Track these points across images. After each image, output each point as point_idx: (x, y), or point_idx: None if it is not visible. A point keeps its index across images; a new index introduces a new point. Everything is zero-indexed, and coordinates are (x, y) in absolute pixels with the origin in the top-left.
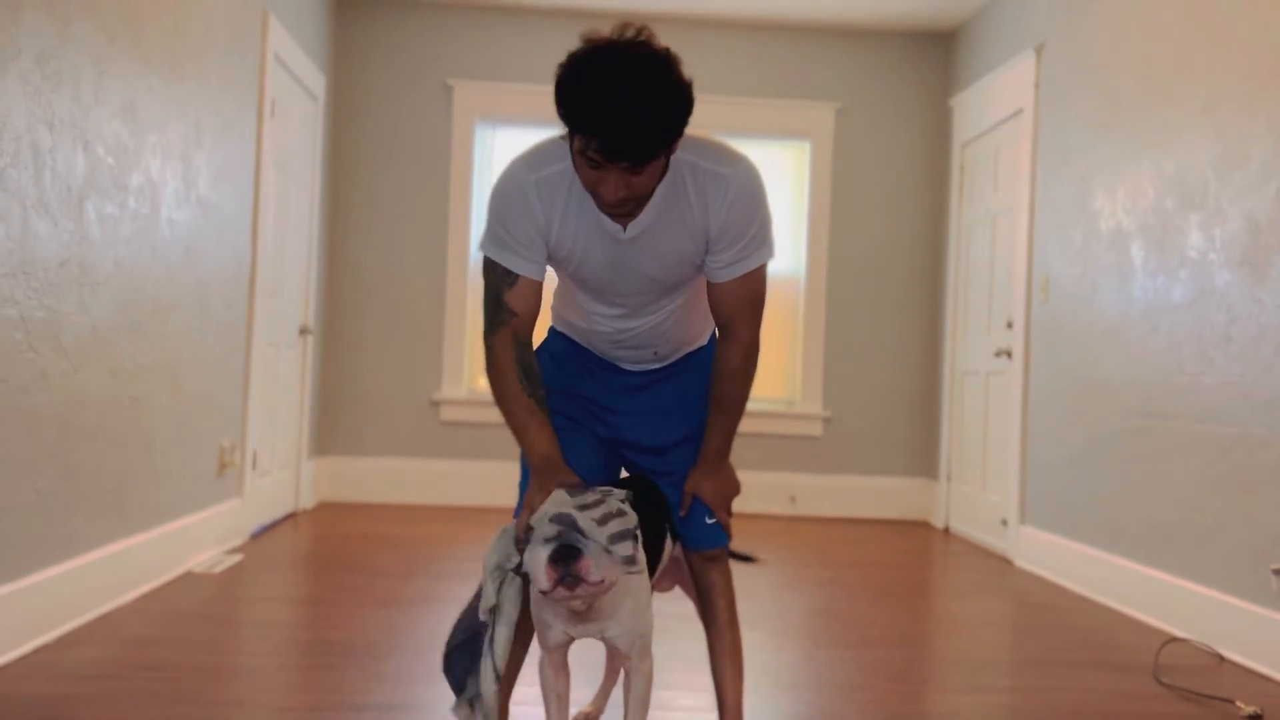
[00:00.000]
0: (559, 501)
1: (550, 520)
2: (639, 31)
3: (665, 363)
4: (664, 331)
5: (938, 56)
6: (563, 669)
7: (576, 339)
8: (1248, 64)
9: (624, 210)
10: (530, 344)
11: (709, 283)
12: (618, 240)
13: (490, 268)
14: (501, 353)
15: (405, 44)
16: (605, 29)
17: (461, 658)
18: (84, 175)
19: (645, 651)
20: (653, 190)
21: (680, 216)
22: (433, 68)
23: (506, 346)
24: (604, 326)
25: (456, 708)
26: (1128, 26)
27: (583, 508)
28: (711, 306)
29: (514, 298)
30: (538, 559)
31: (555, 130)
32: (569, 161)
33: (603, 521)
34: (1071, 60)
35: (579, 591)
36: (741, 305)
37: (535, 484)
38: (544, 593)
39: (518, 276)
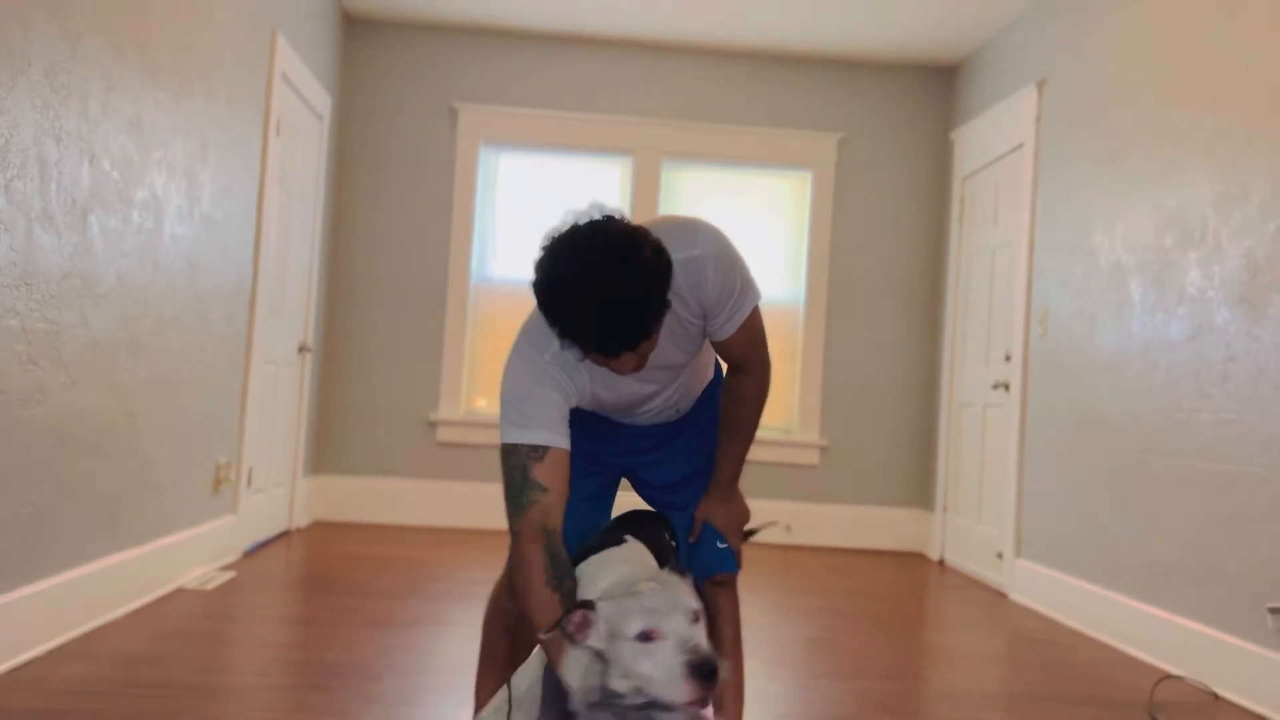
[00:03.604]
0: (663, 602)
1: (655, 618)
2: (591, 215)
3: (684, 415)
4: (682, 393)
5: (940, 90)
6: None
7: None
8: (1248, 103)
9: (640, 367)
10: (558, 529)
11: (713, 341)
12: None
13: (512, 452)
14: (528, 541)
15: (411, 66)
16: (562, 221)
17: None
18: (89, 188)
19: None
20: (658, 340)
21: (677, 315)
22: (438, 90)
23: (534, 533)
24: (627, 420)
25: None
26: (1129, 64)
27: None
28: (721, 356)
29: (543, 471)
30: (670, 669)
31: (557, 154)
32: None
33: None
34: (1073, 96)
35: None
36: (747, 347)
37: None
38: (674, 704)
39: (546, 449)
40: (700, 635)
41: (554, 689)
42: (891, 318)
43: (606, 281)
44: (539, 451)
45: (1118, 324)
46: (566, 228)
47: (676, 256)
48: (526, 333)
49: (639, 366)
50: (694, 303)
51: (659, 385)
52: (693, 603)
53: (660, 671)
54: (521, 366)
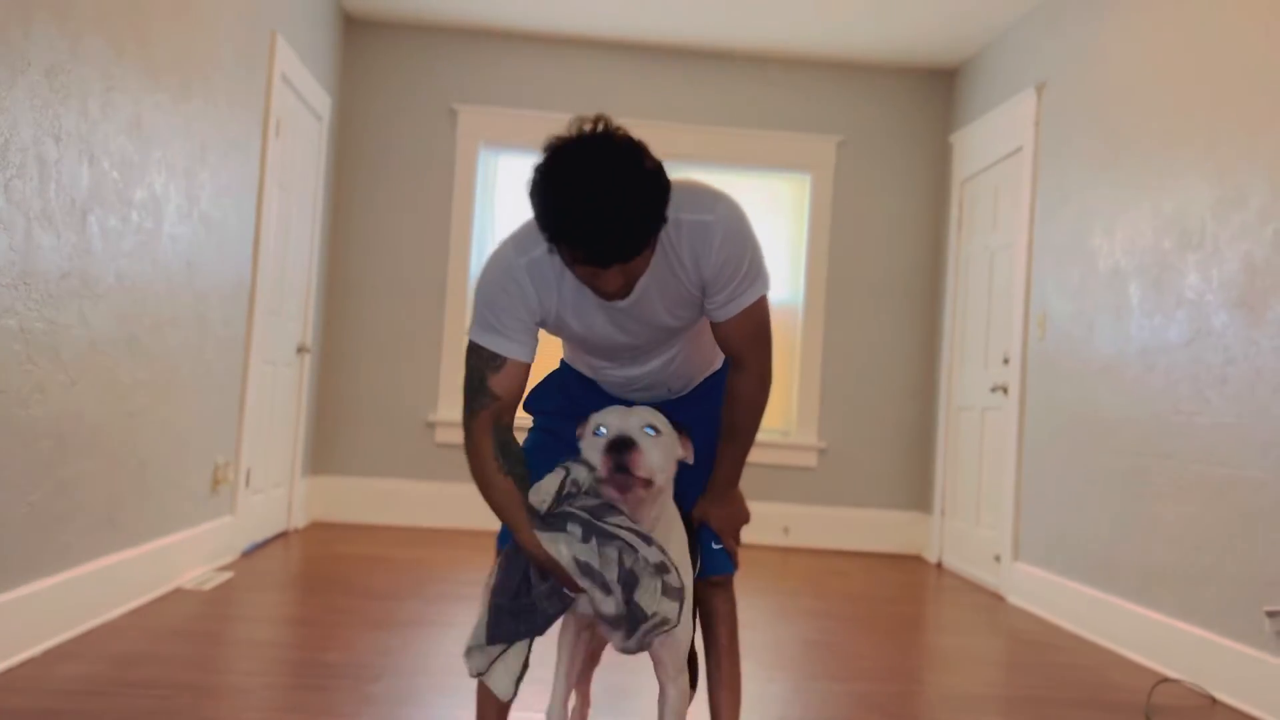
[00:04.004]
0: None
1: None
2: (597, 123)
3: (678, 395)
4: (674, 370)
5: (939, 93)
6: (581, 638)
7: (586, 374)
8: (1247, 108)
9: (623, 294)
10: (510, 425)
11: (712, 323)
12: (618, 307)
13: (475, 352)
14: (479, 435)
15: (411, 67)
16: (568, 127)
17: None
18: (88, 188)
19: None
20: (647, 266)
21: (672, 270)
22: (438, 91)
23: (484, 429)
24: (614, 375)
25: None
26: (1129, 68)
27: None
28: (719, 344)
29: (498, 381)
30: (595, 448)
31: None
32: None
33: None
34: (1072, 100)
35: (633, 489)
36: (746, 339)
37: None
38: (600, 481)
39: (504, 360)
40: (638, 433)
41: (516, 573)
42: (890, 320)
43: (608, 183)
44: (497, 361)
45: (1116, 327)
46: (571, 133)
47: (687, 217)
48: (514, 234)
49: (623, 291)
50: (692, 268)
51: (635, 340)
52: (652, 419)
53: (594, 454)
54: (495, 267)
